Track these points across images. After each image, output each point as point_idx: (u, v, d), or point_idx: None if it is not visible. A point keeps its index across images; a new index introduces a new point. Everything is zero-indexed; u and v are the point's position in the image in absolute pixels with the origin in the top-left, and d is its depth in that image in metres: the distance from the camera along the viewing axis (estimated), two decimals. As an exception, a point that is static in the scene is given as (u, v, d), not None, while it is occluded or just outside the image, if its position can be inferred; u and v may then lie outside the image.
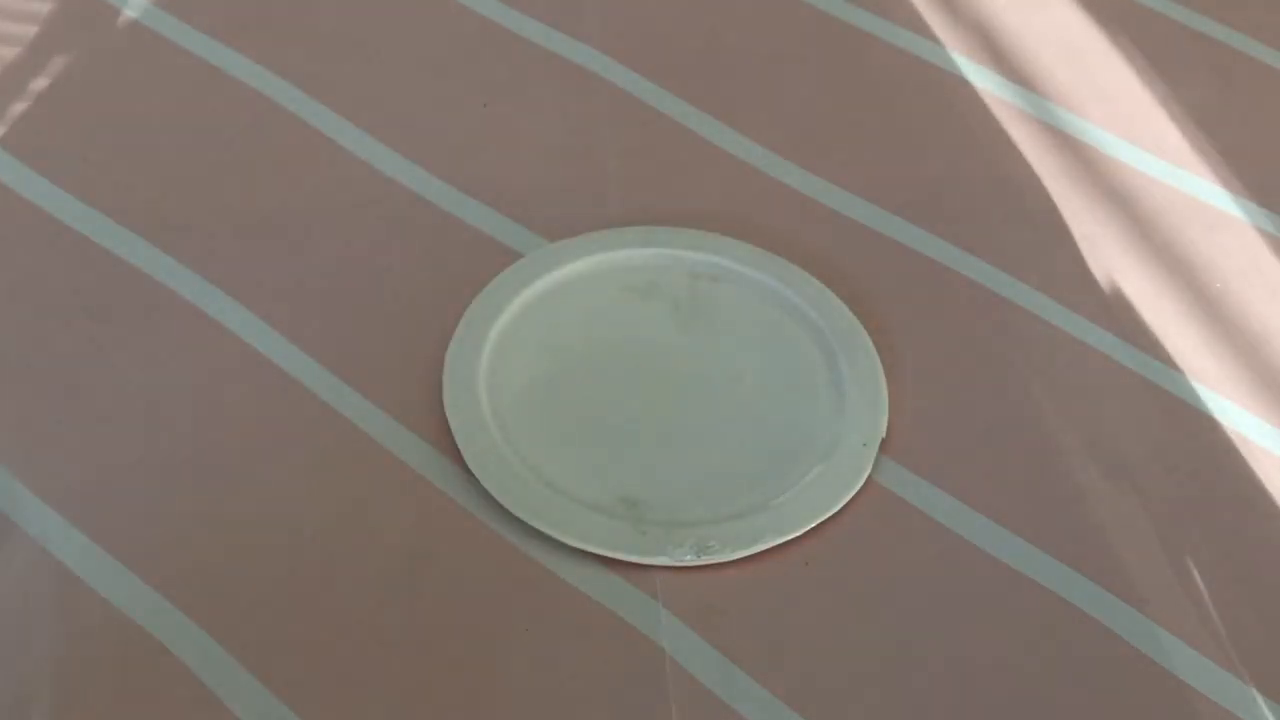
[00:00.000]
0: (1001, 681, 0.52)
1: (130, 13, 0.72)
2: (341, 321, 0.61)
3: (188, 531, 0.55)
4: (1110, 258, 0.65)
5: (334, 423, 0.58)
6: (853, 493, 0.57)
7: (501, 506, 0.55)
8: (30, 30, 0.72)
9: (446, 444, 0.57)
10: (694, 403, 0.59)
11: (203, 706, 0.51)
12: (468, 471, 0.56)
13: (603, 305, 0.62)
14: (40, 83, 0.69)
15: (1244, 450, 0.59)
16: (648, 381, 0.60)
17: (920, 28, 0.74)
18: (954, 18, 0.75)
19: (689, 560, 0.54)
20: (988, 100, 0.71)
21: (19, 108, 0.68)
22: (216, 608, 0.53)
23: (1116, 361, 0.62)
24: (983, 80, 0.72)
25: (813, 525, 0.56)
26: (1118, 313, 0.63)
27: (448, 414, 0.58)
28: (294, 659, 0.52)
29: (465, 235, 0.64)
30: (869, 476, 0.57)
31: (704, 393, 0.59)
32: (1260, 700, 0.52)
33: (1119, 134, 0.70)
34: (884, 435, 0.58)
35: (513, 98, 0.70)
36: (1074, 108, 0.71)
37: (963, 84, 0.72)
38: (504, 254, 0.63)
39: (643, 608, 0.53)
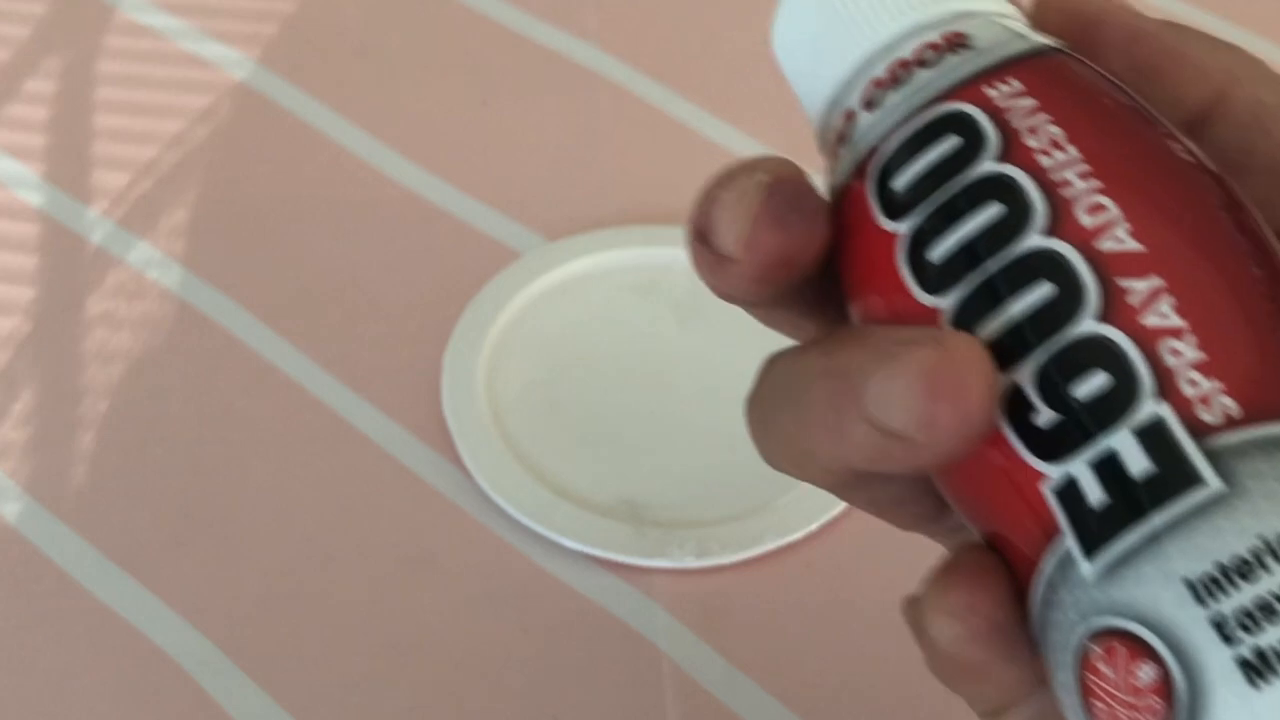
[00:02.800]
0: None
1: (125, 12, 0.72)
2: (339, 321, 0.61)
3: (182, 532, 0.55)
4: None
5: (331, 423, 0.57)
6: (855, 494, 0.56)
7: (500, 507, 0.55)
8: (24, 32, 0.71)
9: (444, 444, 0.57)
10: (694, 403, 0.59)
11: (199, 708, 0.50)
12: (466, 472, 0.56)
13: (603, 305, 0.62)
14: (35, 83, 0.69)
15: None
16: (648, 382, 0.60)
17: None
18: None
19: (689, 562, 0.54)
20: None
21: (15, 109, 0.68)
22: (211, 609, 0.52)
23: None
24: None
25: (815, 527, 0.55)
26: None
27: (446, 414, 0.57)
28: (290, 661, 0.51)
29: (464, 235, 0.63)
30: (871, 478, 0.57)
31: (704, 393, 0.59)
32: None
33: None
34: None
35: (513, 97, 0.69)
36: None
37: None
38: (503, 253, 0.63)
39: (642, 609, 0.53)
